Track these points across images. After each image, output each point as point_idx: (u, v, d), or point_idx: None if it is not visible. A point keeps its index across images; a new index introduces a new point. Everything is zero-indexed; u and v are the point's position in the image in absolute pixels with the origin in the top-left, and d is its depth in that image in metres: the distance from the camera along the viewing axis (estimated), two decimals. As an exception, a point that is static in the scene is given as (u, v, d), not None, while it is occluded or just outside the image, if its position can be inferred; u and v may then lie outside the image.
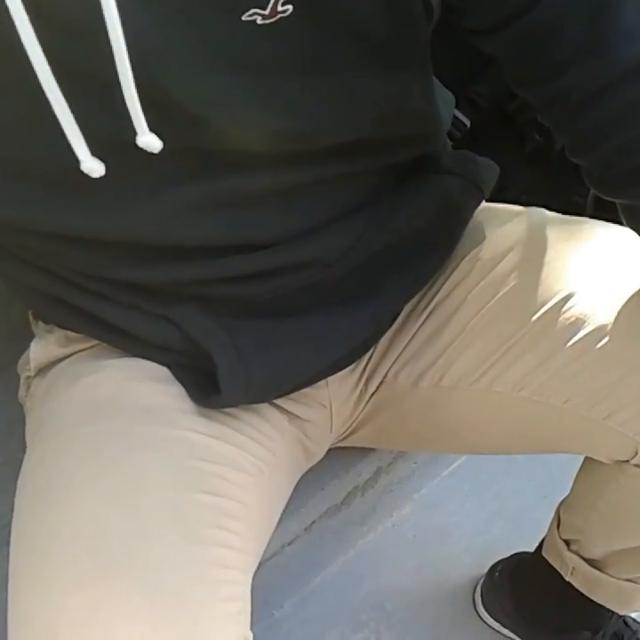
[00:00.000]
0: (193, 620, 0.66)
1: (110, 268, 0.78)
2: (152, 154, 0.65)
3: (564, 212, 0.97)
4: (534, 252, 0.89)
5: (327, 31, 0.64)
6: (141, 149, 0.65)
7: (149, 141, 0.64)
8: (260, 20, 0.61)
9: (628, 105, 0.66)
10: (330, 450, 1.03)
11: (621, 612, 1.18)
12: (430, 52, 0.77)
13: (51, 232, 0.74)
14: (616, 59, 0.65)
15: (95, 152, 0.65)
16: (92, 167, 0.65)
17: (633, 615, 1.28)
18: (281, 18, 0.61)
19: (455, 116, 1.40)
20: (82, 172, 0.65)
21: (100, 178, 0.66)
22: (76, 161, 0.64)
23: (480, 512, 1.51)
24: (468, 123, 1.42)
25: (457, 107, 1.37)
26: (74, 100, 0.61)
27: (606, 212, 0.79)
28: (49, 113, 0.61)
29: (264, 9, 0.60)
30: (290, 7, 0.61)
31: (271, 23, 0.61)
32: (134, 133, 0.63)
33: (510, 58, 0.70)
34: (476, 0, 0.66)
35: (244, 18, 0.60)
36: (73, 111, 0.61)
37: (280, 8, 0.60)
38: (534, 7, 0.64)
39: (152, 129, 0.63)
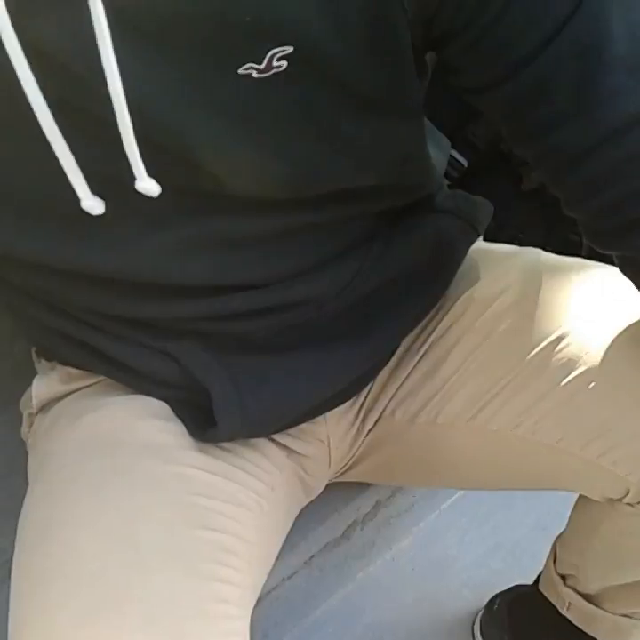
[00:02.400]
0: None
1: (109, 303, 0.79)
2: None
3: (561, 250, 0.98)
4: (529, 293, 0.90)
5: (321, 86, 0.65)
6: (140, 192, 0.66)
7: (148, 186, 0.65)
8: (255, 74, 0.62)
9: (617, 162, 0.66)
10: (329, 484, 1.04)
11: (618, 647, 1.18)
12: (429, 94, 0.78)
13: (51, 267, 0.75)
14: (604, 118, 0.65)
15: (95, 190, 0.66)
16: (92, 205, 0.66)
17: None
18: (276, 73, 0.62)
19: (453, 156, 1.41)
20: (82, 210, 0.66)
21: (100, 216, 0.67)
22: (77, 199, 0.65)
23: (479, 545, 1.52)
24: (465, 162, 1.44)
25: (454, 147, 1.39)
26: (74, 140, 0.62)
27: (602, 252, 0.80)
28: (50, 151, 0.62)
29: (259, 64, 0.61)
30: (284, 63, 0.61)
31: (266, 77, 0.62)
32: (133, 177, 0.64)
33: (501, 116, 0.70)
34: (468, 61, 0.67)
35: (239, 71, 0.61)
36: (73, 151, 0.62)
37: (275, 63, 0.61)
38: (525, 68, 0.64)
39: (151, 173, 0.64)
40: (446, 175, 1.39)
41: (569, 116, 0.66)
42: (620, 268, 0.77)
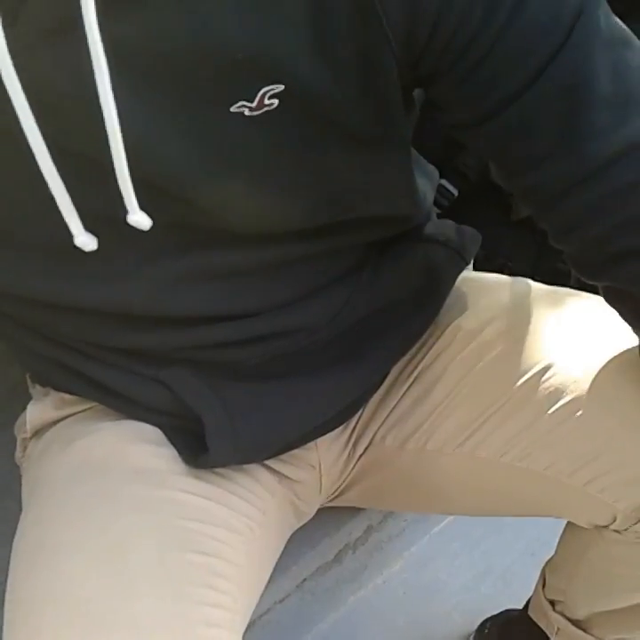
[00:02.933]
0: None
1: (102, 335, 0.80)
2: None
3: (550, 280, 0.99)
4: (517, 322, 0.91)
5: (312, 123, 0.66)
6: (132, 226, 0.67)
7: (139, 220, 0.66)
8: (247, 112, 0.63)
9: (600, 197, 0.67)
10: (320, 508, 1.04)
11: (606, 672, 1.19)
12: (419, 125, 0.79)
13: (44, 300, 0.76)
14: (587, 156, 0.66)
15: (88, 227, 0.66)
16: (85, 241, 0.67)
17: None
18: (267, 111, 0.63)
19: (443, 186, 1.42)
20: (75, 246, 0.67)
21: (93, 251, 0.68)
22: (70, 235, 0.66)
23: (469, 570, 1.52)
24: (455, 192, 1.45)
25: (445, 176, 1.41)
26: (69, 179, 0.63)
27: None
28: (45, 189, 0.63)
29: (251, 102, 0.62)
30: (276, 101, 0.62)
31: (258, 115, 0.63)
32: (125, 211, 0.65)
33: (487, 151, 0.72)
34: (452, 99, 0.68)
35: (232, 109, 0.62)
36: (68, 189, 0.63)
37: (267, 101, 0.62)
38: (508, 107, 0.65)
39: (143, 207, 0.65)
40: (436, 204, 1.41)
41: (552, 152, 0.67)
42: (604, 299, 0.78)
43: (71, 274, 0.74)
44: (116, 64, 0.57)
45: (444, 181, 1.41)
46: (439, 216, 1.00)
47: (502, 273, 1.03)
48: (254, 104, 0.62)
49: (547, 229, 0.75)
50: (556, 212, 0.71)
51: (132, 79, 0.60)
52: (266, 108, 0.63)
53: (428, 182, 0.89)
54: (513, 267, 1.16)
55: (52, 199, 0.64)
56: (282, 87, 0.62)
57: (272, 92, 0.62)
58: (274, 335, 0.83)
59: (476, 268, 1.03)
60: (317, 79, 0.63)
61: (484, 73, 0.64)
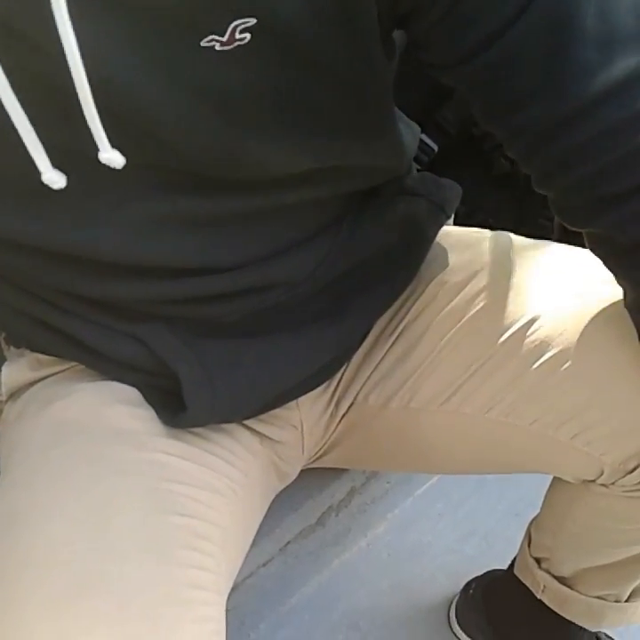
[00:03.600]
0: None
1: (75, 282, 0.78)
2: (115, 169, 0.65)
3: (532, 235, 0.98)
4: (500, 276, 0.90)
5: (286, 60, 0.64)
6: (104, 164, 0.65)
7: (112, 157, 0.64)
8: (218, 47, 0.61)
9: (588, 137, 0.66)
10: (303, 471, 1.04)
11: (593, 629, 1.19)
12: (398, 79, 0.77)
13: (13, 240, 0.74)
14: (573, 95, 0.65)
15: (56, 164, 0.65)
16: (53, 178, 0.65)
17: (607, 631, 1.29)
18: (239, 45, 0.61)
19: (423, 141, 1.41)
20: (44, 183, 0.65)
21: (63, 190, 0.66)
22: (38, 172, 0.64)
23: (453, 531, 1.52)
24: (435, 147, 1.44)
25: (425, 132, 1.39)
26: (34, 111, 0.61)
27: (572, 235, 0.81)
28: (9, 123, 0.61)
29: (222, 36, 0.60)
30: (248, 35, 0.61)
31: (230, 50, 0.61)
32: (96, 149, 0.63)
33: (471, 92, 0.70)
34: (437, 36, 0.66)
35: (202, 44, 0.60)
36: (33, 122, 0.61)
37: (238, 36, 0.60)
38: (492, 44, 0.64)
39: (115, 145, 0.63)
40: (417, 160, 1.40)
41: (538, 91, 0.66)
42: (588, 247, 0.77)
43: (40, 213, 0.71)
44: None
45: (423, 136, 1.40)
46: (419, 172, 0.98)
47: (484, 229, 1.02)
48: (225, 38, 0.60)
49: (531, 174, 0.74)
50: (541, 154, 0.70)
51: (93, 9, 0.57)
52: (237, 43, 0.61)
53: (409, 132, 0.87)
54: (495, 223, 1.15)
55: (17, 135, 0.62)
56: (254, 21, 0.60)
57: (243, 26, 0.60)
58: (252, 290, 0.82)
59: (457, 225, 1.02)
60: (291, 14, 0.61)
61: (466, 9, 0.63)
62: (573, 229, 0.76)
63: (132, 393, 0.85)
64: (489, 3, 0.62)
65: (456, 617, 1.37)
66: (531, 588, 1.15)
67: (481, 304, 0.89)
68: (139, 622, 0.66)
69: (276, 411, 0.91)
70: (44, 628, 0.65)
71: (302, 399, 0.93)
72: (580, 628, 1.16)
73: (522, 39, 0.63)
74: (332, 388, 0.96)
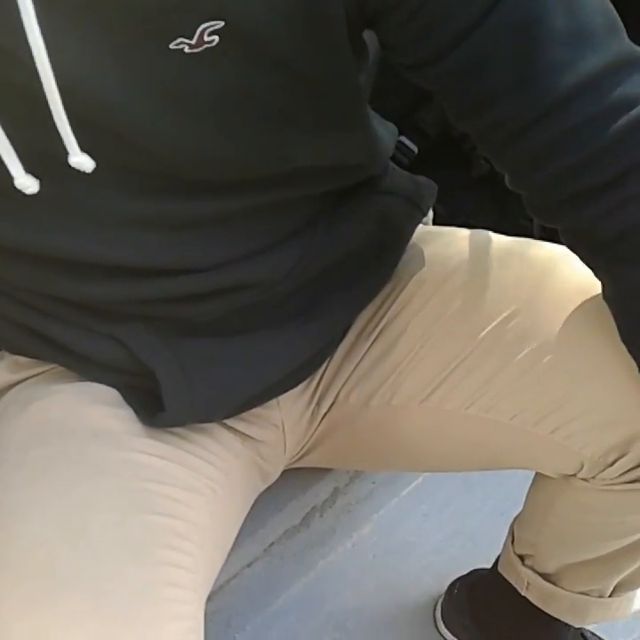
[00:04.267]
0: (141, 638, 0.66)
1: (52, 283, 0.78)
2: (86, 172, 0.65)
3: (512, 235, 0.98)
4: (479, 272, 0.91)
5: (255, 64, 0.64)
6: (75, 168, 0.65)
7: (81, 161, 0.64)
8: (187, 50, 0.61)
9: (558, 135, 0.67)
10: (286, 471, 1.04)
11: (577, 625, 1.19)
12: (377, 82, 0.78)
13: None
14: (544, 91, 0.66)
15: (29, 169, 0.65)
16: (26, 183, 0.65)
17: (591, 628, 1.29)
18: (207, 48, 0.61)
19: (403, 143, 1.42)
20: (17, 188, 0.66)
21: (36, 194, 0.66)
22: (10, 176, 0.65)
23: (438, 531, 1.52)
24: (415, 149, 1.44)
25: (404, 134, 1.40)
26: (4, 116, 0.61)
27: (552, 235, 0.81)
28: None
29: (190, 39, 0.61)
30: (216, 38, 0.61)
31: (198, 53, 0.62)
32: (66, 153, 0.64)
33: (442, 91, 0.71)
34: (405, 37, 0.67)
35: (171, 46, 0.61)
36: (4, 127, 0.62)
37: (206, 38, 0.61)
38: (461, 43, 0.64)
39: (85, 148, 0.64)
40: (397, 162, 1.40)
41: (509, 90, 0.67)
42: (565, 243, 0.78)
43: (14, 216, 0.72)
44: None
45: (403, 138, 1.41)
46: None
47: (464, 229, 1.02)
48: (194, 41, 0.61)
49: (504, 172, 0.75)
50: (513, 151, 0.71)
51: (62, 13, 0.58)
52: (206, 46, 0.61)
53: (385, 132, 0.87)
54: (476, 223, 1.15)
55: None
56: (222, 23, 0.60)
57: (212, 29, 0.61)
58: (228, 290, 0.82)
59: (438, 225, 1.03)
60: (259, 16, 0.61)
61: (433, 9, 0.64)
62: (549, 226, 0.76)
63: (111, 393, 0.85)
64: (456, 2, 0.63)
65: (442, 617, 1.37)
66: (515, 586, 1.15)
67: (460, 301, 0.90)
68: (116, 620, 0.66)
69: (257, 410, 0.91)
70: (21, 626, 0.65)
71: (283, 398, 0.93)
72: (566, 624, 1.17)
73: (490, 38, 0.64)
74: (312, 386, 0.96)
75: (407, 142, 1.42)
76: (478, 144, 0.75)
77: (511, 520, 1.17)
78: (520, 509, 1.13)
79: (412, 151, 1.43)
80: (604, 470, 0.86)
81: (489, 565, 1.27)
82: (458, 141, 1.46)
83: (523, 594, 1.14)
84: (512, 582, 1.15)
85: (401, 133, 1.02)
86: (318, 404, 0.97)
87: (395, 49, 0.70)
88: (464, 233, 0.99)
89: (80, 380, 0.86)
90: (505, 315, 0.87)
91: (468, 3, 0.63)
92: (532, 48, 0.64)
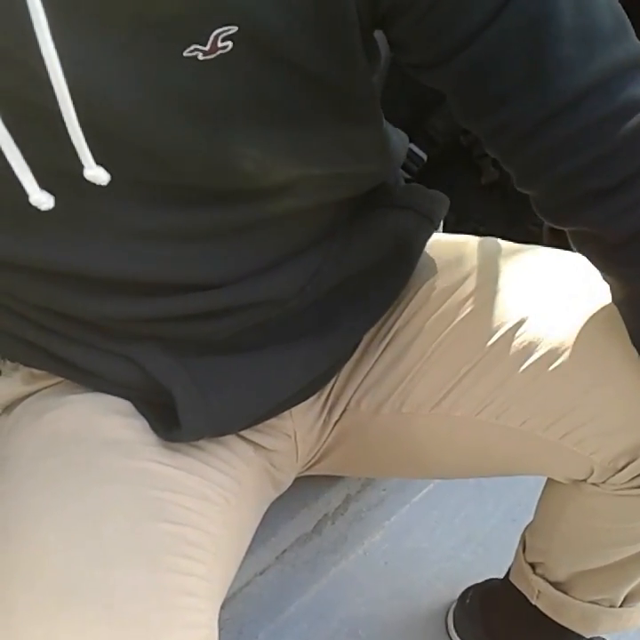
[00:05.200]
0: None
1: (66, 301, 0.78)
2: (101, 186, 0.65)
3: (521, 241, 0.98)
4: (488, 280, 0.91)
5: (269, 67, 0.64)
6: (90, 182, 0.64)
7: (96, 174, 0.64)
8: (201, 57, 0.61)
9: (567, 136, 0.67)
10: (298, 479, 1.04)
11: (588, 635, 1.18)
12: (387, 89, 0.78)
13: (5, 262, 0.74)
14: (555, 91, 0.66)
15: (44, 185, 0.64)
16: (41, 200, 0.64)
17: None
18: (221, 54, 0.61)
19: (412, 151, 1.42)
20: (31, 204, 0.65)
21: (51, 210, 0.65)
22: (25, 193, 0.64)
23: (450, 538, 1.52)
24: (424, 157, 1.45)
25: (414, 141, 1.40)
26: (19, 132, 0.61)
27: (562, 241, 0.81)
28: None
29: (204, 45, 0.60)
30: (230, 43, 0.61)
31: (212, 59, 0.61)
32: (81, 166, 0.63)
33: (452, 91, 0.71)
34: (416, 36, 0.67)
35: (185, 54, 0.61)
36: (18, 143, 0.61)
37: (220, 44, 0.61)
38: (472, 43, 0.64)
39: (99, 161, 0.63)
40: (406, 169, 1.40)
41: (520, 89, 0.66)
42: (573, 245, 0.78)
43: (29, 234, 0.72)
44: (56, 8, 0.55)
45: (413, 146, 1.41)
46: (409, 182, 0.99)
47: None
48: (208, 47, 0.61)
49: (513, 173, 0.75)
50: (523, 151, 0.71)
51: (75, 24, 0.58)
52: (220, 51, 0.61)
53: (397, 139, 0.88)
54: (484, 230, 1.15)
55: (3, 156, 0.62)
56: (235, 28, 0.60)
57: (225, 34, 0.60)
58: (243, 307, 0.82)
59: (447, 233, 1.03)
60: (272, 20, 0.61)
61: (445, 8, 0.64)
62: (557, 228, 0.76)
63: (124, 404, 0.85)
64: (467, 2, 0.63)
65: (454, 624, 1.37)
66: (526, 594, 1.15)
67: (470, 308, 0.90)
68: (128, 627, 0.66)
69: (270, 420, 0.91)
70: (33, 633, 0.65)
71: (295, 408, 0.93)
72: (577, 634, 1.16)
73: (501, 37, 0.64)
74: (324, 395, 0.97)
75: (416, 149, 1.43)
76: (486, 144, 0.74)
77: (522, 526, 1.16)
78: (531, 515, 1.12)
79: (421, 158, 1.44)
80: (614, 475, 0.86)
81: (500, 572, 1.26)
82: (467, 148, 1.46)
83: (533, 602, 1.14)
84: (523, 591, 1.15)
85: (410, 141, 1.02)
86: (330, 412, 0.97)
87: (405, 49, 0.70)
88: (474, 240, 0.99)
89: (93, 391, 0.86)
90: (515, 321, 0.87)
91: (480, 2, 0.63)
92: (542, 46, 0.64)
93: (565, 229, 0.77)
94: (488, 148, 0.75)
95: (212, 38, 0.60)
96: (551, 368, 0.84)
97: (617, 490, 0.88)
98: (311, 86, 0.68)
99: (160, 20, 0.59)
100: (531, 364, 0.85)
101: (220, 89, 0.64)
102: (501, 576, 1.26)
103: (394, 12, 0.66)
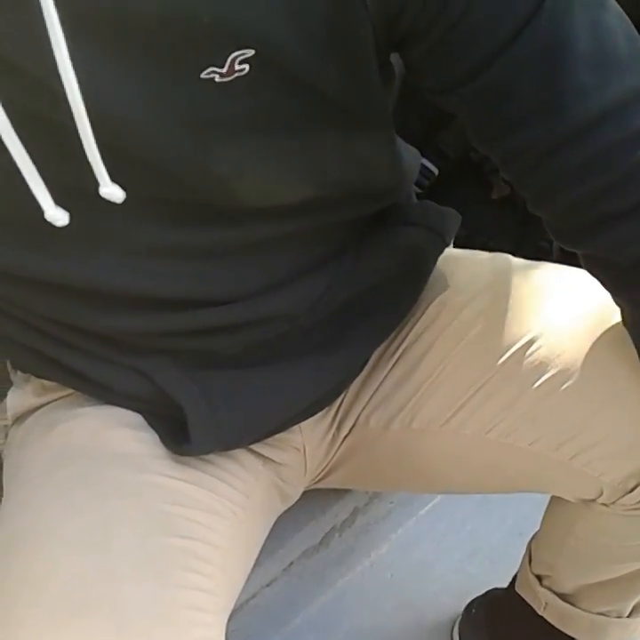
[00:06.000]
0: None
1: (77, 315, 0.79)
2: (116, 203, 0.65)
3: (532, 257, 0.98)
4: (499, 297, 0.91)
5: (285, 90, 0.65)
6: (105, 199, 0.65)
7: (112, 192, 0.64)
8: (218, 79, 0.61)
9: (581, 162, 0.67)
10: (306, 491, 1.04)
11: (595, 646, 1.19)
12: (398, 103, 0.78)
13: (19, 276, 0.75)
14: (569, 116, 0.66)
15: (59, 201, 0.64)
16: (56, 216, 0.65)
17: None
18: (238, 77, 0.61)
19: (423, 165, 1.42)
20: (46, 220, 0.65)
21: (66, 226, 0.66)
22: (40, 209, 0.64)
23: (456, 551, 1.52)
24: (435, 171, 1.45)
25: (425, 155, 1.40)
26: (35, 148, 0.61)
27: (572, 257, 0.81)
28: (11, 161, 0.61)
29: (221, 68, 0.61)
30: (246, 66, 0.61)
31: (229, 81, 0.62)
32: (96, 184, 0.63)
33: (467, 115, 0.71)
34: (433, 60, 0.67)
35: (202, 76, 0.61)
36: (34, 159, 0.61)
37: (237, 67, 0.61)
38: (488, 68, 0.65)
39: (115, 179, 0.63)
40: (417, 184, 1.40)
41: (534, 115, 0.67)
42: (585, 268, 0.78)
43: (43, 247, 0.72)
44: (74, 29, 0.55)
45: (424, 160, 1.41)
46: (420, 196, 0.99)
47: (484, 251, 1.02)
48: (225, 70, 0.61)
49: (526, 196, 0.75)
50: (537, 175, 0.71)
51: (92, 45, 0.58)
52: (237, 74, 0.61)
53: (409, 157, 0.88)
54: (495, 245, 1.15)
55: (19, 172, 0.62)
56: (252, 52, 0.61)
57: (242, 57, 0.61)
58: (254, 323, 0.82)
59: (457, 247, 1.03)
60: (289, 44, 0.62)
61: (461, 34, 0.64)
62: (570, 251, 0.77)
63: (134, 417, 0.85)
64: (483, 29, 0.63)
65: (459, 637, 1.37)
66: (532, 606, 1.14)
67: (480, 325, 0.90)
68: None
69: (279, 434, 0.91)
70: None
71: (304, 423, 0.93)
72: (583, 643, 1.16)
73: (517, 61, 0.64)
74: (333, 410, 0.97)
75: (427, 164, 1.43)
76: (501, 167, 0.75)
77: (529, 539, 1.16)
78: (537, 529, 1.12)
79: (432, 173, 1.44)
80: (624, 496, 0.86)
81: (507, 585, 1.26)
82: (478, 163, 1.46)
83: (540, 613, 1.14)
84: (530, 602, 1.15)
85: (422, 155, 1.02)
86: (339, 427, 0.97)
87: (422, 72, 0.70)
88: (485, 256, 0.99)
89: (104, 403, 0.86)
90: (525, 340, 0.87)
91: (496, 28, 0.63)
92: (558, 71, 0.65)
93: (577, 252, 0.77)
94: (502, 171, 0.75)
95: (229, 61, 0.61)
96: (562, 388, 0.84)
97: (627, 510, 0.88)
98: (326, 108, 0.69)
99: (178, 43, 0.59)
100: (541, 384, 0.85)
101: (236, 110, 0.65)
102: (506, 588, 1.26)
103: (410, 36, 0.66)
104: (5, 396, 0.95)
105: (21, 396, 0.93)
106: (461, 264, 0.98)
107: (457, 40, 0.64)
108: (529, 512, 1.43)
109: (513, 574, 1.23)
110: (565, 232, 0.75)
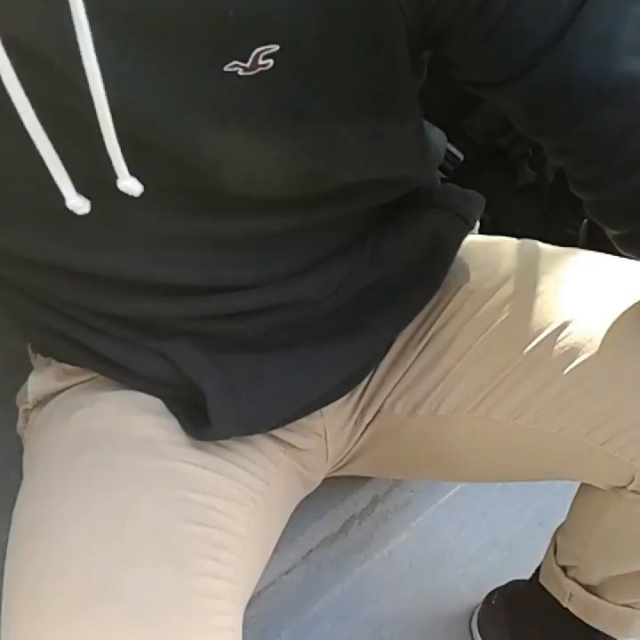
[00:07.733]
0: None
1: (100, 301, 0.79)
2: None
3: (557, 243, 0.97)
4: (528, 283, 0.90)
5: (309, 84, 0.64)
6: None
7: (130, 186, 0.64)
8: (241, 72, 0.61)
9: None
10: (326, 479, 1.04)
11: (619, 638, 1.18)
12: (424, 88, 0.77)
13: (41, 263, 0.75)
14: (631, 104, 0.65)
15: (81, 190, 0.65)
16: (77, 204, 0.66)
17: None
18: (262, 71, 0.61)
19: (449, 151, 1.41)
20: (67, 209, 0.66)
21: (87, 214, 0.67)
22: (62, 197, 0.65)
23: (476, 540, 1.51)
24: (461, 157, 1.44)
25: (450, 141, 1.40)
26: (58, 139, 0.61)
27: (598, 243, 0.80)
28: (34, 150, 0.62)
29: (245, 62, 0.61)
30: (271, 62, 0.61)
31: (253, 75, 0.61)
32: (115, 176, 0.64)
33: (521, 109, 0.70)
34: (478, 57, 0.67)
35: (225, 69, 0.61)
36: (57, 149, 0.62)
37: (261, 62, 0.61)
38: (538, 62, 0.64)
39: (135, 171, 0.64)
40: (443, 169, 1.40)
41: (594, 104, 0.66)
42: (620, 246, 0.77)
43: (65, 236, 0.73)
44: (100, 22, 0.55)
45: (449, 145, 1.40)
46: (444, 181, 0.98)
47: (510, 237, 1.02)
48: (248, 64, 0.61)
49: (580, 178, 0.74)
50: (600, 163, 0.70)
51: (118, 38, 0.58)
52: (260, 69, 0.61)
53: (436, 140, 0.87)
54: (521, 231, 1.14)
55: (42, 161, 0.62)
56: (277, 47, 0.60)
57: (267, 53, 0.60)
58: (277, 307, 0.82)
59: (483, 234, 1.02)
60: (314, 40, 0.61)
61: (510, 27, 0.63)
62: (610, 230, 0.76)
63: (155, 403, 0.85)
64: (534, 20, 0.63)
65: (478, 627, 1.36)
66: (557, 597, 1.13)
67: (509, 311, 0.89)
68: (152, 630, 0.66)
69: (300, 419, 0.91)
70: (59, 634, 0.66)
71: (326, 408, 0.93)
72: (606, 636, 1.15)
73: (568, 55, 0.64)
74: (356, 396, 0.96)
75: (453, 149, 1.42)
76: (555, 157, 0.74)
77: (550, 530, 1.15)
78: (559, 519, 1.12)
79: (458, 158, 1.43)
80: (655, 483, 0.85)
81: (526, 575, 1.26)
82: (504, 149, 1.45)
83: (565, 605, 1.13)
84: (554, 594, 1.14)
85: (447, 140, 1.02)
86: (362, 413, 0.97)
87: (464, 67, 0.69)
88: (511, 242, 0.98)
89: (125, 388, 0.86)
90: (555, 325, 0.86)
91: (545, 20, 0.63)
92: (610, 61, 0.64)
93: (617, 232, 0.76)
94: (555, 160, 0.75)
95: (253, 55, 0.60)
96: (593, 374, 0.83)
97: (658, 497, 0.87)
98: (351, 104, 0.68)
99: (202, 36, 0.59)
100: (572, 370, 0.84)
101: (258, 104, 0.64)
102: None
103: (450, 32, 0.66)
104: (24, 380, 0.95)
105: (42, 379, 0.93)
106: (489, 250, 0.98)
107: (504, 35, 0.64)
108: (550, 502, 1.44)
109: (533, 565, 1.22)
110: (612, 213, 0.74)
